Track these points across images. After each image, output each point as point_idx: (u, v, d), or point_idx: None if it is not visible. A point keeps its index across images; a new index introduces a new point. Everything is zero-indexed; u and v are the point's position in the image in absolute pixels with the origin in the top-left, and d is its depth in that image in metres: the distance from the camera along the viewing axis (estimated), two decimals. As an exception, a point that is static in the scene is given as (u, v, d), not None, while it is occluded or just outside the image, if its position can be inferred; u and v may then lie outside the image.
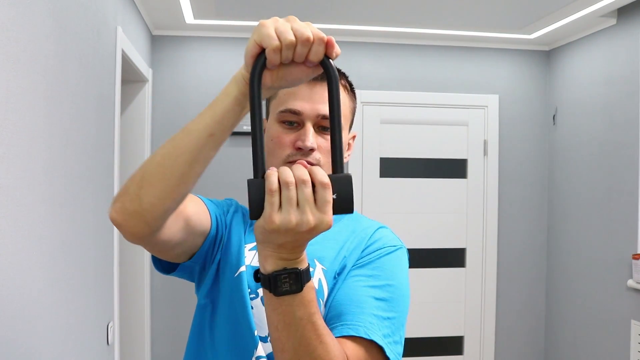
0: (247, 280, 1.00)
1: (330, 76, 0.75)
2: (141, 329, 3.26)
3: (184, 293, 3.42)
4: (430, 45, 3.72)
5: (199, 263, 1.05)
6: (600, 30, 3.26)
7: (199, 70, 3.57)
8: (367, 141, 3.68)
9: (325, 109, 0.99)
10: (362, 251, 1.02)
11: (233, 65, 3.59)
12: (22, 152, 1.32)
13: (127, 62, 2.68)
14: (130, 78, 3.12)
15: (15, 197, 1.28)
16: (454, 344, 3.82)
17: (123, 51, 2.47)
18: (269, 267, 0.75)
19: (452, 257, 3.81)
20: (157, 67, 3.51)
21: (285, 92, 1.02)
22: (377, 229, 1.07)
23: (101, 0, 2.10)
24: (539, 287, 3.85)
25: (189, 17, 3.26)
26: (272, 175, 0.71)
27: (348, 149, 1.12)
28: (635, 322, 2.89)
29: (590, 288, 3.31)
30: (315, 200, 0.71)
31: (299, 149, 0.99)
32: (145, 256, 3.23)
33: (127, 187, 0.82)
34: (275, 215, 0.70)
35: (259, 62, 0.75)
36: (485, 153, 3.80)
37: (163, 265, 1.05)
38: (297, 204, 0.71)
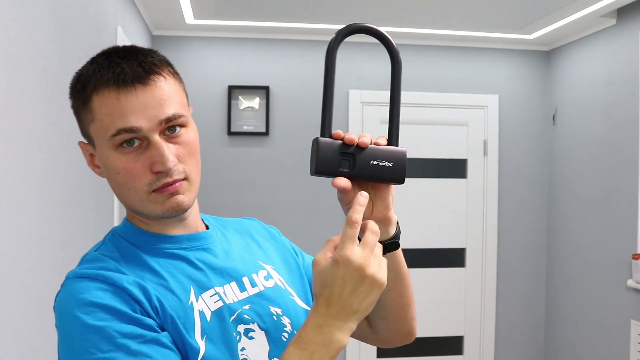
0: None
1: (392, 53, 0.88)
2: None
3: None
4: (430, 45, 3.72)
5: None
6: (600, 30, 3.26)
7: (199, 70, 3.57)
8: (367, 141, 3.68)
9: (165, 110, 0.82)
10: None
11: (233, 66, 3.60)
12: (22, 152, 1.32)
13: (127, 62, 2.67)
14: (130, 78, 3.11)
15: (15, 197, 1.28)
16: (454, 344, 3.82)
17: (123, 51, 2.47)
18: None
19: (452, 257, 3.81)
20: (157, 67, 3.51)
21: (105, 112, 0.81)
22: (260, 222, 1.11)
23: (101, 0, 2.10)
24: (539, 287, 3.85)
25: (189, 17, 3.27)
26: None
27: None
28: (635, 322, 2.89)
29: (590, 288, 3.31)
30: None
31: (158, 172, 0.82)
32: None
33: None
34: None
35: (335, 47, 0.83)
36: (485, 153, 3.80)
37: None
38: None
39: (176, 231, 0.91)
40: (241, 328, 0.87)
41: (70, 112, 0.89)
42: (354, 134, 0.81)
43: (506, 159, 3.82)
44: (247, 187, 3.60)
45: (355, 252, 0.74)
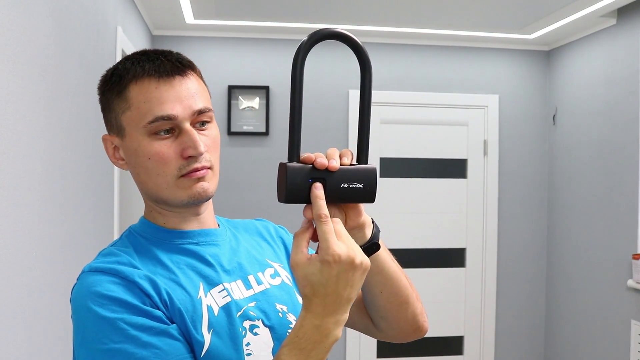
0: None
1: (364, 63, 0.82)
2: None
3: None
4: (430, 45, 3.72)
5: None
6: (600, 30, 3.26)
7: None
8: (367, 141, 3.68)
9: (197, 103, 0.90)
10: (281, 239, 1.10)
11: (233, 66, 3.60)
12: (22, 152, 1.32)
13: (127, 62, 2.67)
14: (130, 78, 3.11)
15: (15, 197, 1.28)
16: (454, 344, 3.82)
17: (123, 51, 2.47)
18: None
19: (452, 257, 3.81)
20: (157, 67, 3.51)
21: (143, 100, 0.87)
22: (264, 220, 1.12)
23: (101, 0, 2.10)
24: (539, 287, 3.85)
25: (189, 17, 3.27)
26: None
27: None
28: (635, 322, 2.89)
29: (590, 288, 3.31)
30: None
31: (189, 157, 0.87)
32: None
33: None
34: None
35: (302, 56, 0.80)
36: (485, 153, 3.80)
37: None
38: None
39: (191, 226, 0.94)
40: (247, 324, 0.89)
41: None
42: (323, 157, 0.79)
43: (506, 159, 3.82)
44: (247, 187, 3.60)
45: (341, 246, 0.74)
